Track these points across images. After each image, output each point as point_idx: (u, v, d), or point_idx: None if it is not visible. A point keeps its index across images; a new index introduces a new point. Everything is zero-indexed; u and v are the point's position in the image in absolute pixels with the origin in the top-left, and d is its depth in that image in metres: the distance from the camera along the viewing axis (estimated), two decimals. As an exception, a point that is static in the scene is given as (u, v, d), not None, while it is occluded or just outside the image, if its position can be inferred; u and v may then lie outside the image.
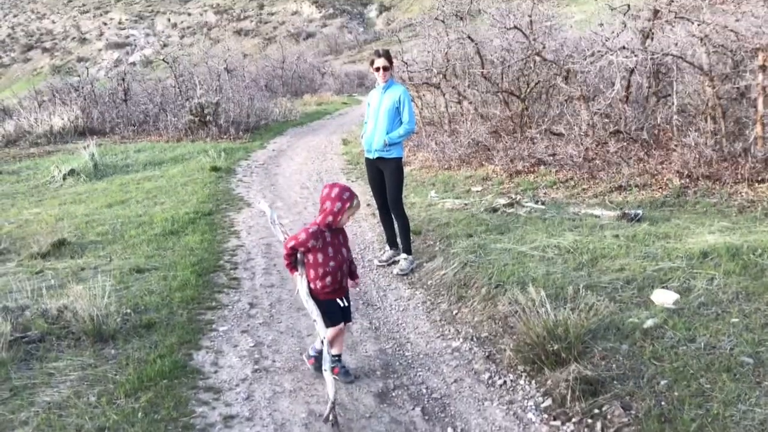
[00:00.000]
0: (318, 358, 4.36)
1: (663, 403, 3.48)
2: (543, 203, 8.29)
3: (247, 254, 7.25)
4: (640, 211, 7.19)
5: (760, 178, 7.90)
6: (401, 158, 6.44)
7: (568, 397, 3.76)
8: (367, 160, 6.55)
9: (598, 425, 3.53)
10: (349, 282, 4.42)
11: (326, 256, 4.12)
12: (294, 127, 20.57)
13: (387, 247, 6.92)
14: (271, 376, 4.43)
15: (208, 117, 17.55)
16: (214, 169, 12.44)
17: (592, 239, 6.22)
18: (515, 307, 4.84)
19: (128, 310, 5.37)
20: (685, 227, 6.50)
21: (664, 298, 4.69)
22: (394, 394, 4.17)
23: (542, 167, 10.07)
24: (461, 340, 4.88)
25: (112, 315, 5.02)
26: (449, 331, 5.06)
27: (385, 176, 6.42)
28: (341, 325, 4.24)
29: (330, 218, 4.09)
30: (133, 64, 59.70)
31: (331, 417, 3.75)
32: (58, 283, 6.04)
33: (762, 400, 3.31)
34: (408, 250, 6.55)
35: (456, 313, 5.36)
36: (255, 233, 8.15)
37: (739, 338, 3.97)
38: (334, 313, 4.19)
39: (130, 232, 8.07)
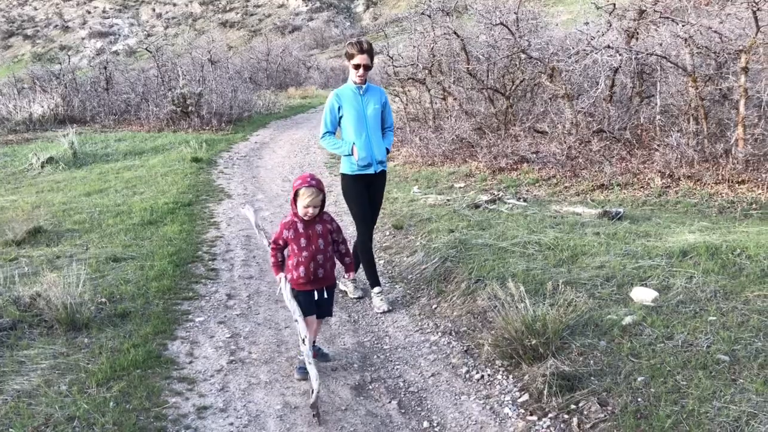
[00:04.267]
0: (303, 370, 4.15)
1: (639, 399, 3.48)
2: (525, 200, 8.28)
3: (227, 245, 7.18)
4: (621, 210, 7.20)
5: (740, 179, 7.95)
6: None
7: (545, 393, 3.74)
8: (361, 178, 5.34)
9: (575, 421, 3.52)
10: (349, 275, 4.69)
11: (299, 247, 4.12)
12: (277, 119, 20.45)
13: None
14: (246, 367, 4.37)
15: (190, 108, 17.39)
16: (195, 160, 12.33)
17: (573, 236, 6.22)
18: (494, 302, 4.81)
19: (103, 299, 5.29)
20: (665, 226, 6.52)
21: (643, 295, 4.69)
22: (371, 387, 4.14)
23: (525, 165, 10.08)
24: (440, 334, 4.85)
25: (86, 303, 4.93)
26: (428, 325, 5.03)
27: (375, 195, 5.50)
28: (312, 317, 4.23)
29: (293, 208, 4.13)
30: (116, 53, 59.10)
31: (316, 408, 3.73)
32: (32, 270, 5.93)
33: (737, 397, 3.31)
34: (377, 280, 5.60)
35: (435, 308, 5.33)
36: (235, 224, 8.07)
37: (716, 336, 3.98)
38: (307, 304, 4.17)
39: (108, 221, 7.96)
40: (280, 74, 33.78)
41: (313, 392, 3.72)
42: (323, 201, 4.12)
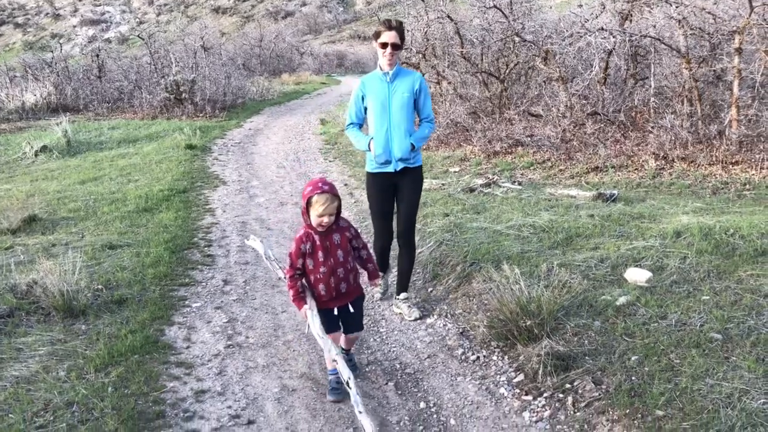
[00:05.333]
0: (337, 390, 3.80)
1: (633, 378, 3.51)
2: (520, 184, 8.30)
3: (222, 232, 7.19)
4: (615, 192, 7.23)
5: (734, 160, 7.98)
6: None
7: (540, 372, 3.78)
8: (379, 176, 4.79)
9: (569, 400, 3.56)
10: (369, 283, 4.08)
11: (316, 262, 3.66)
12: (271, 106, 20.38)
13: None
14: (244, 351, 4.40)
15: (183, 95, 17.33)
16: (190, 147, 12.30)
17: (568, 219, 6.25)
18: (489, 285, 4.84)
19: (100, 286, 5.30)
20: (659, 208, 6.55)
21: (637, 276, 4.72)
22: (367, 369, 4.17)
23: (520, 148, 10.09)
24: (435, 316, 4.88)
25: (82, 290, 4.95)
26: (423, 308, 5.05)
27: (404, 193, 4.82)
28: (337, 333, 3.84)
29: (305, 219, 3.67)
30: (108, 41, 58.64)
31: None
32: (27, 258, 5.93)
33: (729, 374, 3.35)
34: (407, 286, 5.11)
35: (431, 291, 5.36)
36: (230, 211, 8.07)
37: (709, 315, 4.02)
38: (329, 322, 3.75)
39: (103, 208, 7.95)
40: (273, 60, 33.65)
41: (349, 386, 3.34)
42: (339, 207, 3.65)
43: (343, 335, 3.92)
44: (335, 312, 3.79)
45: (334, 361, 3.51)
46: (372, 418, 3.21)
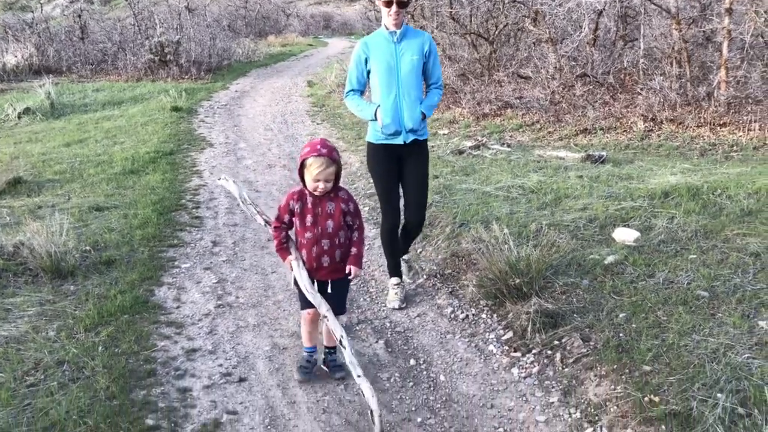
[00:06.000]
0: (306, 370, 3.63)
1: (621, 334, 3.56)
2: (509, 146, 8.29)
3: (210, 194, 7.14)
4: (604, 153, 7.24)
5: (722, 122, 8.00)
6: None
7: (529, 330, 3.82)
8: (385, 149, 4.31)
9: (558, 356, 3.60)
10: (348, 269, 3.50)
11: (303, 225, 3.42)
12: (257, 68, 20.11)
13: (393, 282, 4.60)
14: (234, 311, 4.41)
15: (168, 56, 17.04)
16: (175, 109, 12.15)
17: (556, 180, 6.26)
18: (479, 245, 4.86)
19: (87, 248, 5.27)
20: (647, 169, 6.57)
21: (625, 235, 4.75)
22: (357, 328, 4.19)
23: (509, 110, 10.05)
24: (425, 276, 4.90)
25: (70, 252, 4.91)
26: (413, 268, 5.06)
27: (413, 170, 4.35)
28: (310, 311, 3.51)
29: (301, 182, 3.42)
30: (90, 2, 57.41)
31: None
32: (14, 220, 5.88)
33: (715, 330, 3.40)
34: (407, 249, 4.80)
35: (420, 252, 5.37)
36: (218, 173, 8.01)
37: (696, 273, 4.06)
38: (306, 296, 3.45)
39: (89, 170, 7.87)
40: (259, 22, 33.09)
41: (372, 414, 3.01)
42: (338, 174, 3.38)
43: (324, 325, 3.50)
44: (314, 286, 3.45)
45: (325, 317, 3.32)
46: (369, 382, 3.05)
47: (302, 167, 3.34)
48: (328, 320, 3.31)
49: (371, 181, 6.91)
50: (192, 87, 15.17)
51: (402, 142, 4.25)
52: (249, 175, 7.97)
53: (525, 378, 3.55)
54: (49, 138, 10.21)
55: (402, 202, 4.48)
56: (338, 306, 3.54)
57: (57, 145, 9.60)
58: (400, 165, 4.36)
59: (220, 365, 3.72)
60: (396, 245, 4.54)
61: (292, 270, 3.49)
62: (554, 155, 7.51)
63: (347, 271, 3.50)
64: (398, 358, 3.84)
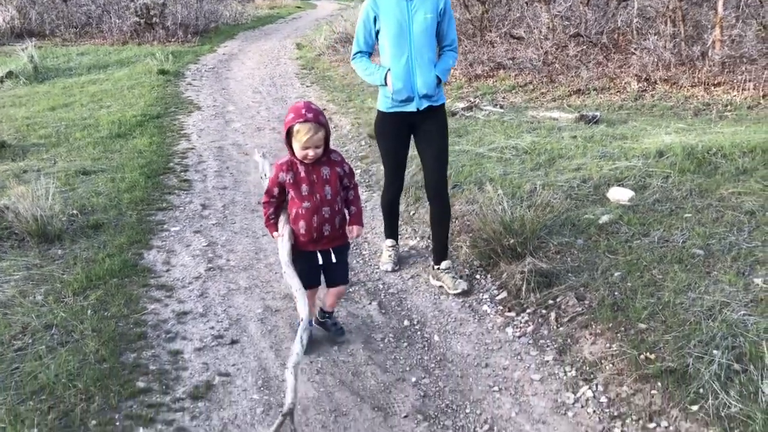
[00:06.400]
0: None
1: (616, 293, 3.53)
2: (502, 107, 8.19)
3: (198, 157, 7.03)
4: (597, 114, 7.16)
5: (716, 82, 7.92)
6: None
7: (523, 289, 3.79)
8: (396, 117, 3.95)
9: (552, 315, 3.58)
10: (351, 229, 3.39)
11: (299, 195, 3.21)
12: (245, 30, 19.78)
13: (388, 244, 4.48)
14: (225, 274, 4.35)
15: (154, 19, 16.71)
16: (162, 72, 11.92)
17: (550, 140, 6.19)
18: (472, 206, 4.81)
19: (74, 211, 5.17)
20: (641, 129, 6.51)
21: (619, 195, 4.71)
22: (351, 290, 4.14)
23: (501, 71, 9.92)
24: (418, 239, 4.85)
25: (57, 216, 4.82)
26: (406, 230, 5.01)
27: (430, 138, 3.98)
28: (315, 289, 3.47)
29: (288, 150, 3.21)
30: (73, -36, 55.99)
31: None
32: (-2, 184, 5.77)
33: (711, 288, 3.38)
34: (446, 253, 4.21)
35: (413, 214, 5.31)
36: (206, 136, 7.89)
37: (692, 232, 4.03)
38: (309, 271, 3.31)
39: (75, 134, 7.72)
40: (246, -16, 32.45)
41: (284, 406, 2.58)
42: (327, 138, 3.17)
43: (325, 291, 3.52)
44: (318, 259, 3.32)
45: (294, 296, 3.10)
46: (294, 377, 2.64)
47: (288, 135, 3.12)
48: (296, 300, 3.06)
49: (363, 144, 6.83)
50: (179, 50, 14.90)
51: (415, 109, 3.88)
52: (238, 138, 7.85)
53: (519, 337, 3.52)
54: (33, 102, 10.01)
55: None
56: (342, 276, 3.45)
57: (41, 109, 9.41)
58: (414, 135, 4.05)
59: (212, 328, 3.67)
60: (396, 210, 4.38)
61: (279, 244, 3.33)
62: (547, 116, 7.43)
63: (350, 231, 3.38)
64: (392, 319, 3.80)
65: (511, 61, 9.95)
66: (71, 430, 2.76)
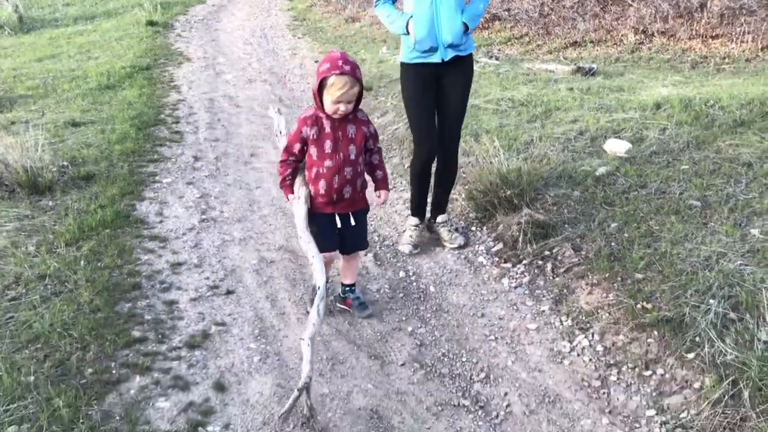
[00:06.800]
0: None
1: (613, 243, 3.52)
2: (497, 59, 8.07)
3: (189, 108, 6.92)
4: (594, 66, 7.07)
5: (714, 34, 7.82)
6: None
7: (520, 241, 3.77)
8: (420, 69, 3.60)
9: (549, 266, 3.57)
10: (375, 195, 3.24)
11: (321, 153, 2.97)
12: (236, -19, 19.34)
13: (412, 222, 4.07)
14: (219, 225, 4.31)
15: (141, -32, 16.28)
16: (151, 23, 11.68)
17: (546, 92, 6.11)
18: (468, 158, 4.77)
19: (65, 163, 5.11)
20: (638, 81, 6.44)
21: (616, 147, 4.67)
22: (345, 241, 4.12)
23: (497, 23, 9.76)
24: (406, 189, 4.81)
25: (47, 167, 4.75)
26: (400, 183, 4.98)
27: (452, 92, 3.69)
28: (333, 252, 3.20)
29: (316, 102, 2.95)
30: None
31: (305, 406, 2.58)
32: (-14, 136, 5.66)
33: (707, 238, 3.37)
34: (445, 207, 4.10)
35: (407, 166, 5.25)
36: (197, 88, 7.76)
37: (689, 183, 4.00)
38: (325, 234, 3.09)
39: (63, 86, 7.58)
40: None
41: (300, 381, 2.53)
42: (360, 94, 2.93)
43: (341, 259, 3.32)
44: (337, 222, 3.10)
45: (310, 263, 2.93)
46: (311, 349, 2.57)
47: (321, 86, 2.85)
48: (312, 265, 2.89)
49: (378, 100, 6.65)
50: (167, 0, 14.56)
51: (439, 60, 3.54)
52: (229, 89, 7.73)
53: (515, 288, 3.52)
54: (19, 53, 9.82)
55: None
56: (361, 240, 3.26)
57: (28, 60, 9.23)
58: (439, 87, 3.68)
59: (207, 278, 3.65)
60: (427, 180, 3.93)
61: (294, 207, 3.12)
62: (544, 68, 7.33)
63: (378, 196, 3.21)
64: (387, 270, 3.79)
65: (506, 13, 9.79)
66: (67, 378, 2.75)
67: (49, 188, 4.66)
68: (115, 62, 8.72)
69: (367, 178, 3.17)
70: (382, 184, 3.21)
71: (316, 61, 8.84)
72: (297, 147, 3.01)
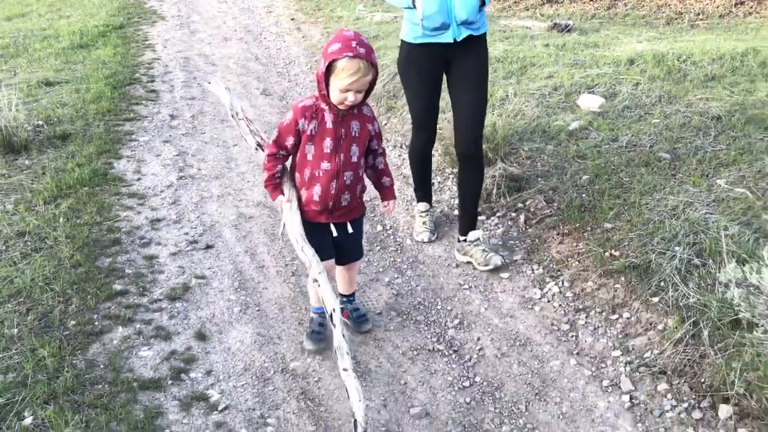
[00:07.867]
0: (319, 335, 2.83)
1: (584, 195, 3.61)
2: (474, 16, 8.05)
3: (165, 67, 6.86)
4: (570, 23, 7.09)
5: (689, -10, 7.86)
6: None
7: (494, 194, 3.86)
8: (427, 50, 3.14)
9: (522, 217, 3.66)
10: (382, 206, 2.85)
11: (320, 152, 2.50)
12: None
13: (420, 208, 3.74)
14: (197, 182, 4.34)
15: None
16: (123, -19, 11.42)
17: (523, 49, 6.13)
18: (444, 114, 4.80)
19: (40, 122, 5.07)
20: (614, 37, 6.48)
21: (590, 102, 4.74)
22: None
23: (474, -20, 9.69)
24: (390, 147, 4.86)
25: (22, 126, 4.72)
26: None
27: (467, 77, 3.19)
28: (330, 262, 2.70)
29: (321, 88, 2.44)
30: None
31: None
32: (-43, 95, 5.59)
33: (675, 189, 3.47)
34: (475, 221, 3.51)
35: (385, 123, 5.30)
36: (171, 47, 7.67)
37: (659, 137, 4.09)
38: (319, 244, 2.57)
39: (35, 45, 7.46)
40: None
41: (355, 425, 2.14)
42: (373, 84, 2.45)
43: (337, 269, 2.87)
44: (333, 231, 2.66)
45: (315, 281, 2.45)
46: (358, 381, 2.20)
47: (328, 70, 2.37)
48: (319, 286, 2.42)
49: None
50: (139, -42, 14.24)
51: (452, 40, 3.06)
52: (204, 48, 7.65)
53: (489, 239, 3.61)
54: (-13, 12, 9.60)
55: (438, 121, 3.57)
56: (357, 250, 2.86)
57: (-3, 19, 9.05)
58: (448, 73, 3.28)
59: (186, 234, 3.70)
60: (428, 167, 3.66)
61: (282, 213, 2.66)
62: (520, 25, 7.34)
63: (385, 206, 2.82)
64: (365, 224, 3.85)
65: (484, -30, 9.72)
66: (51, 329, 2.81)
67: (25, 147, 4.64)
68: (87, 21, 8.58)
69: (367, 182, 2.75)
70: (389, 193, 2.81)
71: (292, 19, 8.76)
72: (290, 141, 2.53)
